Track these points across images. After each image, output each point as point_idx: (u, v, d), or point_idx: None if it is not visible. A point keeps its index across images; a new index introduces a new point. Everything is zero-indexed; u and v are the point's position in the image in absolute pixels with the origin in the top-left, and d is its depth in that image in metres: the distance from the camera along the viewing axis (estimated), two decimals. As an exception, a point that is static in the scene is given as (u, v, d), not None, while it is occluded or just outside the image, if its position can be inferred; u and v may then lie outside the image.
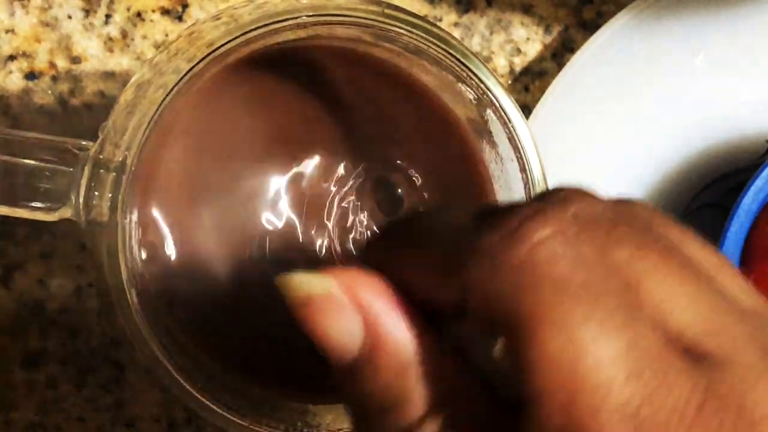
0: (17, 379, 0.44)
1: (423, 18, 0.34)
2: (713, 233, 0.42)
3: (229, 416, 0.34)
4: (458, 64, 0.34)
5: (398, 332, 0.25)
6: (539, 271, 0.23)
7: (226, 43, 0.32)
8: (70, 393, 0.44)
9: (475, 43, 0.45)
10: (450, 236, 0.24)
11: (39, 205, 0.34)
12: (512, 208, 0.24)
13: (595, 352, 0.23)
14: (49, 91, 0.44)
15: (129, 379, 0.44)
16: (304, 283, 0.25)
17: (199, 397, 0.34)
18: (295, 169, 0.36)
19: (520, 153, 0.35)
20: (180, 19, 0.44)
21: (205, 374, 0.36)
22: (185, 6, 0.44)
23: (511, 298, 0.23)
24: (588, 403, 0.22)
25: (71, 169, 0.34)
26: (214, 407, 0.34)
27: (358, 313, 0.25)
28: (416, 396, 0.25)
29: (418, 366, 0.25)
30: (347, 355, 0.25)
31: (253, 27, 0.32)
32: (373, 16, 0.34)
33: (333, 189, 0.36)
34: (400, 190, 0.37)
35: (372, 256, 0.26)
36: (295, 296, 0.25)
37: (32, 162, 0.34)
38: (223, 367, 0.36)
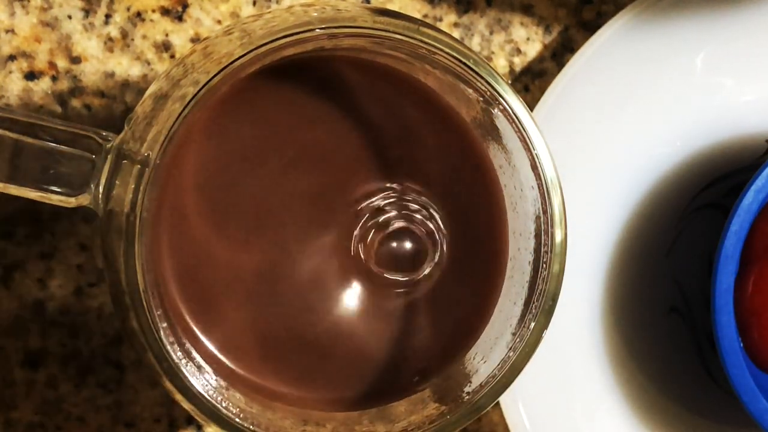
0: (17, 379, 0.44)
1: (429, 25, 0.34)
2: (713, 233, 0.42)
3: (235, 420, 0.34)
4: (464, 67, 0.34)
5: None
6: None
7: (243, 56, 0.33)
8: (70, 393, 0.44)
9: (475, 43, 0.45)
10: None
11: (58, 189, 0.34)
12: None
13: None
14: (49, 91, 0.44)
15: (129, 379, 0.44)
16: None
17: (206, 398, 0.34)
18: (312, 178, 0.36)
19: (531, 154, 0.35)
20: (180, 19, 0.44)
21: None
22: (185, 6, 0.44)
23: None
24: None
25: (93, 156, 0.34)
26: (221, 410, 0.34)
27: None
28: None
29: None
30: None
31: (268, 40, 0.33)
32: (384, 27, 0.34)
33: (354, 196, 0.36)
34: (404, 192, 0.37)
35: None
36: None
37: (54, 145, 0.34)
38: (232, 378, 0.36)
